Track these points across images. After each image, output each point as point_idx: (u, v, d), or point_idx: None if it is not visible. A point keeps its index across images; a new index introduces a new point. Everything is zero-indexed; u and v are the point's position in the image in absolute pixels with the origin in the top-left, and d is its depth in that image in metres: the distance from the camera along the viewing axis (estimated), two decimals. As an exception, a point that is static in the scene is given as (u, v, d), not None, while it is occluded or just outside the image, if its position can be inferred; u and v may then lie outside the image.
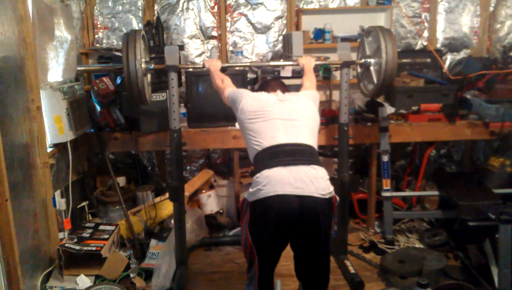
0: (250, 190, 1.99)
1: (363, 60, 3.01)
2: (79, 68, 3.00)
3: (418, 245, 3.44)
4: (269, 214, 1.90)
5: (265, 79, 2.81)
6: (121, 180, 3.85)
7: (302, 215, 1.90)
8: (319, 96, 3.84)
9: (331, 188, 2.00)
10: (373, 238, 3.56)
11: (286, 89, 2.39)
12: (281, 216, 1.90)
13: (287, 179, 1.92)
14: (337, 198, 2.06)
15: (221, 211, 3.83)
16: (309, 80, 2.67)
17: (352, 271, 2.99)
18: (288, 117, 2.15)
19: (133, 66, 2.58)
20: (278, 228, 1.93)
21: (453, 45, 4.29)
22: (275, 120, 2.13)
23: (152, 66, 2.80)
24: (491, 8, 4.23)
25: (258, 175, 1.99)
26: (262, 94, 2.29)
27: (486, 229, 2.71)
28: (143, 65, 2.67)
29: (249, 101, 2.23)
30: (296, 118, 2.16)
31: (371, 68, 2.97)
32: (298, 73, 2.96)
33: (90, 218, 3.54)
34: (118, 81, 3.32)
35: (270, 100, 2.23)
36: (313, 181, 1.94)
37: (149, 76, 2.97)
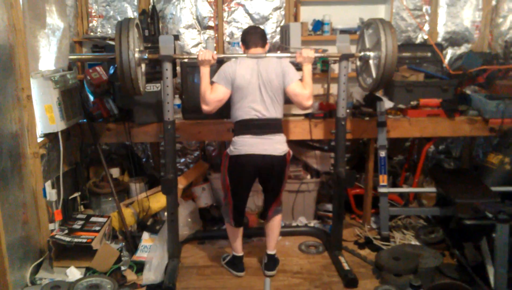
0: (231, 147, 2.78)
1: (362, 53, 2.95)
2: (70, 57, 2.94)
3: (414, 242, 3.40)
4: (242, 165, 2.76)
5: (245, 31, 2.94)
6: (115, 171, 3.80)
7: (264, 165, 2.75)
8: (318, 89, 3.85)
9: (285, 148, 2.81)
10: (368, 234, 3.53)
11: (265, 40, 2.87)
12: (250, 167, 2.76)
13: (255, 144, 2.73)
14: (291, 153, 2.86)
15: (215, 204, 3.78)
16: (307, 83, 2.80)
17: (346, 267, 2.96)
18: (262, 87, 2.73)
19: (126, 56, 2.52)
20: (248, 174, 2.79)
21: (454, 39, 4.23)
22: (252, 95, 2.73)
23: (146, 55, 2.74)
24: (494, 2, 4.16)
25: (236, 138, 2.77)
26: (239, 72, 2.72)
27: (483, 227, 2.67)
28: (136, 55, 2.61)
29: (228, 91, 2.77)
30: (267, 90, 2.73)
31: (370, 61, 2.91)
32: (295, 66, 2.91)
33: (82, 209, 3.49)
34: (111, 71, 3.25)
35: (245, 80, 2.72)
36: (273, 145, 2.75)
37: (143, 66, 2.91)
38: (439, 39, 4.20)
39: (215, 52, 3.73)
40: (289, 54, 2.95)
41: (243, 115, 2.75)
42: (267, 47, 2.90)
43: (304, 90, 2.75)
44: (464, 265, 2.93)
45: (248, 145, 2.73)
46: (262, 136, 2.74)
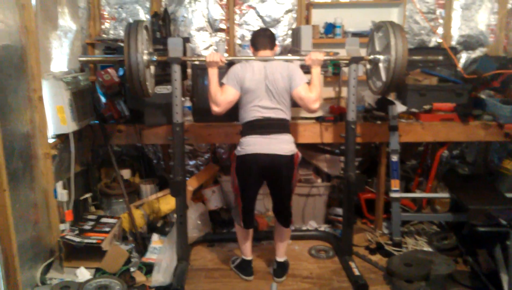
0: (238, 148, 2.78)
1: (372, 56, 2.92)
2: (81, 59, 2.95)
3: (426, 248, 3.34)
4: (249, 165, 2.74)
5: (255, 33, 2.95)
6: (126, 173, 3.82)
7: (271, 165, 2.72)
8: (329, 93, 3.82)
9: (293, 148, 2.77)
10: (380, 239, 3.47)
11: (273, 43, 2.87)
12: (256, 166, 2.73)
13: (261, 143, 2.71)
14: (299, 155, 2.81)
15: (225, 207, 3.77)
16: (314, 85, 2.76)
17: (357, 273, 2.91)
18: (269, 89, 2.73)
19: (134, 58, 2.53)
20: (254, 173, 2.76)
21: (468, 43, 4.17)
22: (259, 97, 2.73)
23: (155, 58, 2.75)
24: (509, 5, 4.08)
25: (243, 139, 2.78)
26: (247, 75, 2.72)
27: (496, 235, 2.61)
28: (145, 57, 2.62)
29: (238, 93, 2.77)
30: (274, 93, 2.73)
31: (380, 64, 2.88)
32: (305, 68, 2.90)
33: (93, 210, 3.51)
34: (121, 72, 3.27)
35: (253, 82, 2.72)
36: (279, 144, 2.73)
37: (152, 68, 2.92)
38: (453, 43, 4.15)
39: (226, 54, 3.75)
40: (298, 57, 2.93)
41: (250, 116, 2.75)
42: (276, 49, 2.90)
43: (310, 93, 2.72)
44: (478, 273, 2.87)
45: (254, 144, 2.72)
46: (269, 136, 2.72)
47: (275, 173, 2.75)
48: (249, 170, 2.75)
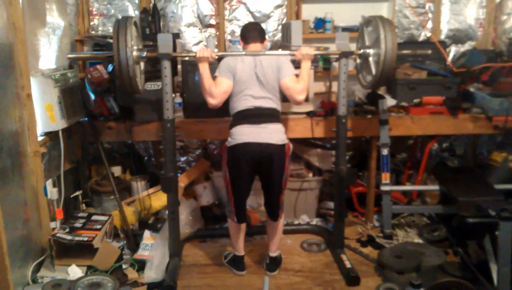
0: (229, 139, 2.76)
1: (361, 51, 2.93)
2: (69, 56, 2.93)
3: (417, 240, 3.37)
4: (240, 155, 2.71)
5: (245, 26, 2.97)
6: (117, 170, 3.81)
7: (262, 155, 2.70)
8: (320, 87, 3.83)
9: (284, 138, 2.77)
10: (371, 232, 3.50)
11: (264, 36, 2.88)
12: (247, 155, 2.70)
13: (252, 133, 2.70)
14: (291, 146, 2.80)
15: (217, 202, 3.77)
16: (302, 78, 2.79)
17: (348, 265, 2.93)
18: (259, 80, 2.74)
19: (124, 54, 2.52)
20: (246, 164, 2.72)
21: (457, 37, 4.18)
22: (249, 87, 2.74)
23: (145, 54, 2.74)
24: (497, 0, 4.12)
25: (233, 129, 2.76)
26: (239, 66, 2.74)
27: (485, 226, 2.64)
28: (134, 53, 2.61)
29: (232, 83, 2.78)
30: (264, 84, 2.74)
31: (370, 59, 2.90)
32: (297, 63, 2.91)
33: (84, 207, 3.50)
34: (110, 69, 3.25)
35: (244, 72, 2.74)
36: (270, 133, 2.71)
37: (142, 64, 2.91)
38: (443, 37, 4.16)
39: (216, 50, 3.73)
40: (288, 52, 2.94)
41: (241, 106, 2.76)
42: (266, 43, 2.91)
43: (297, 84, 2.74)
44: (467, 263, 2.91)
45: (245, 134, 2.70)
46: (259, 125, 2.71)
47: (266, 163, 2.72)
48: (240, 161, 2.71)
